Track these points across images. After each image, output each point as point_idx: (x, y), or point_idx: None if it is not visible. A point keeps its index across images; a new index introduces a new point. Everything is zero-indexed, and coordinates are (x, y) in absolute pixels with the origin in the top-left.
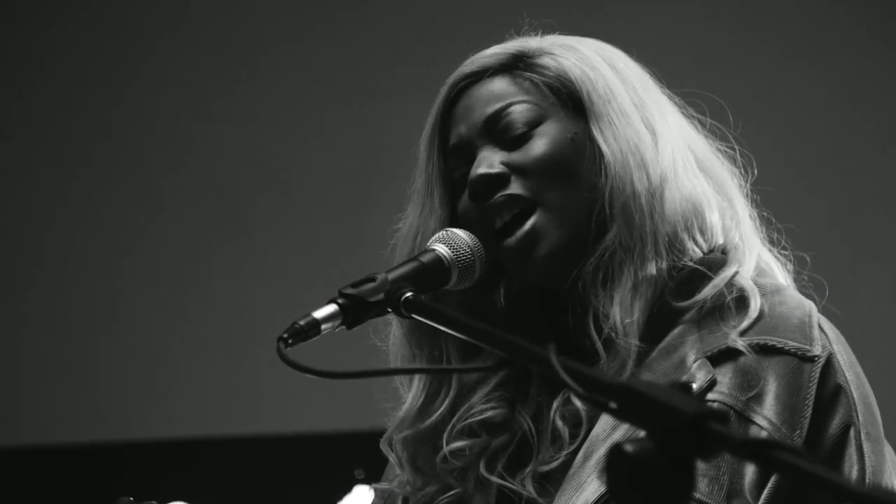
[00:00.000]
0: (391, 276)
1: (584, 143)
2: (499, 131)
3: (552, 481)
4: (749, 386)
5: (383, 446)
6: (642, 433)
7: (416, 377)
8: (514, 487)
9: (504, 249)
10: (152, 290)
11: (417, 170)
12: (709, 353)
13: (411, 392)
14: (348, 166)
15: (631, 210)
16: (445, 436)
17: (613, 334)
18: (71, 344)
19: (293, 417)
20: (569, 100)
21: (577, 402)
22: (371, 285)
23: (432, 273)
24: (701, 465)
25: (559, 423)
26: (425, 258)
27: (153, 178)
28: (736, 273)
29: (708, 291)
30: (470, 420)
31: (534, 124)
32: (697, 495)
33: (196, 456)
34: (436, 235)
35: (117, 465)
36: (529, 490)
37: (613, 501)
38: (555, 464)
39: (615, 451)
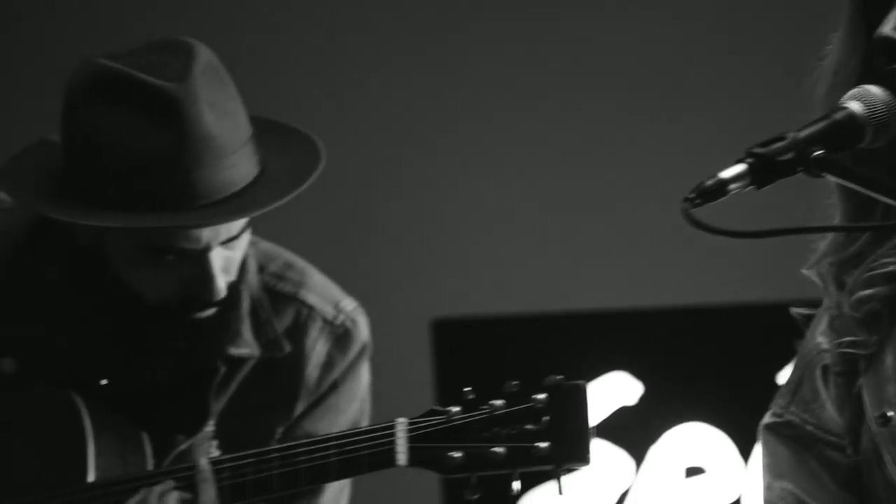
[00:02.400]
0: (801, 134)
1: None
2: None
3: None
4: None
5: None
6: None
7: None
8: None
9: None
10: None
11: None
12: None
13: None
14: None
15: None
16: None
17: None
18: None
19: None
20: None
21: None
22: (780, 144)
23: (845, 131)
24: None
25: None
26: (837, 116)
27: None
28: None
29: None
30: (874, 272)
31: None
32: None
33: (616, 328)
34: (849, 93)
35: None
36: None
37: None
38: None
39: None
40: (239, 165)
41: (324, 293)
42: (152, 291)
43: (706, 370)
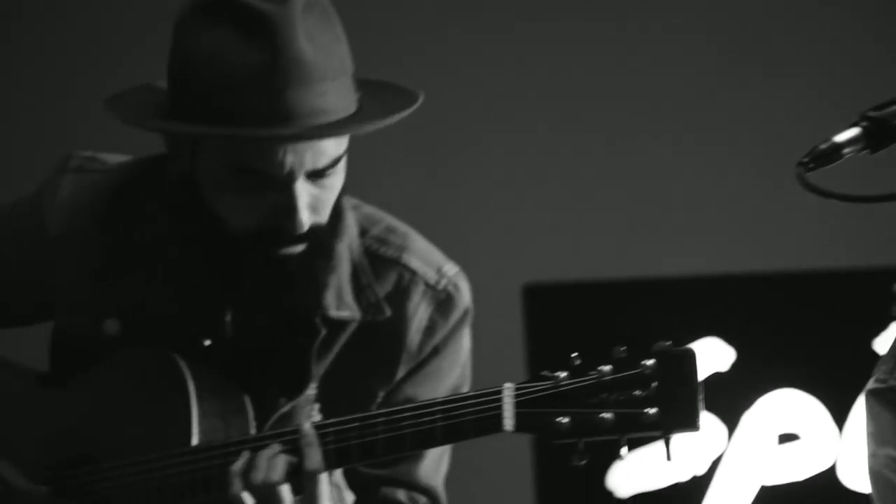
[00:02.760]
0: None
1: None
2: None
3: None
4: None
5: None
6: None
7: None
8: None
9: None
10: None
11: None
12: None
13: None
14: None
15: None
16: None
17: None
18: None
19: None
20: None
21: None
22: None
23: None
24: None
25: None
26: None
27: None
28: None
29: None
30: None
31: None
32: None
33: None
34: None
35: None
36: None
37: None
38: None
39: None
40: (331, 94)
41: (426, 257)
42: (239, 219)
43: (800, 336)
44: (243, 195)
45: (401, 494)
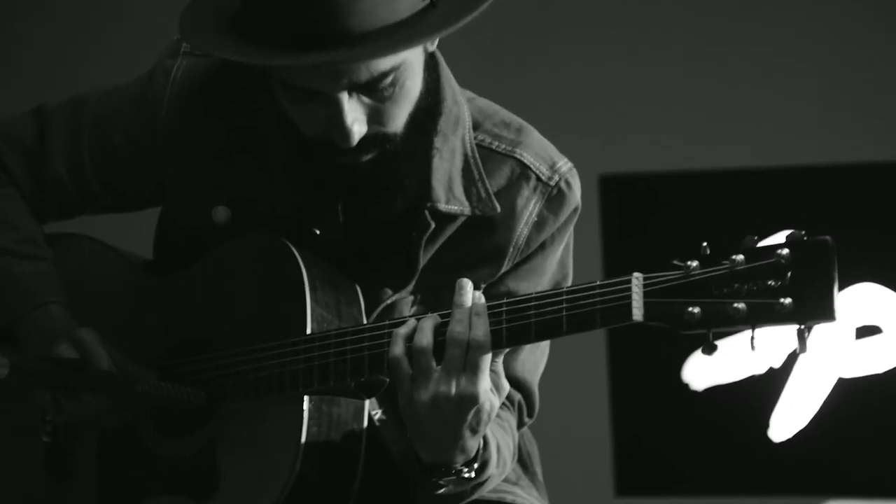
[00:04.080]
0: None
1: None
2: None
3: None
4: None
5: None
6: None
7: None
8: None
9: None
10: None
11: None
12: None
13: None
14: None
15: None
16: None
17: None
18: None
19: None
20: None
21: None
22: None
23: None
24: None
25: None
26: None
27: None
28: None
29: None
30: None
31: None
32: None
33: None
34: None
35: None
36: None
37: None
38: None
39: None
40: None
41: (540, 152)
42: (302, 126)
43: (880, 230)
44: (297, 106)
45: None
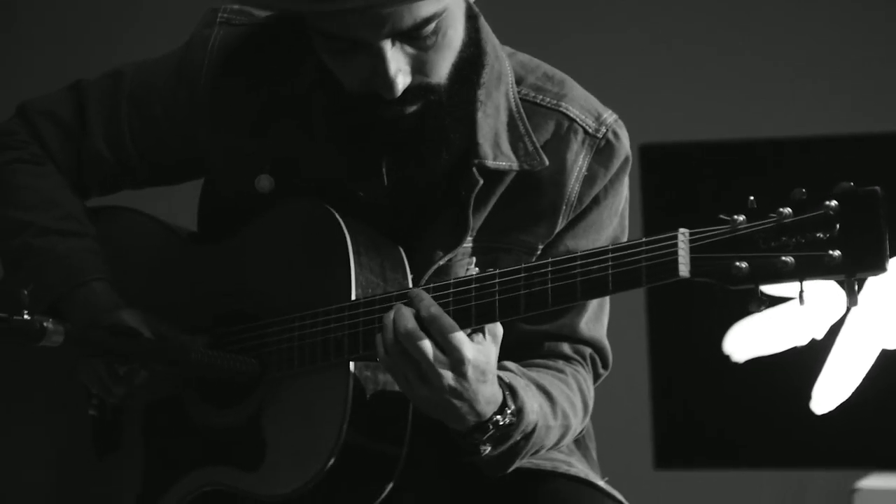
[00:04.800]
0: None
1: None
2: None
3: None
4: None
5: None
6: None
7: None
8: None
9: None
10: None
11: None
12: None
13: None
14: None
15: None
16: None
17: None
18: None
19: None
20: None
21: None
22: None
23: None
24: None
25: None
26: None
27: None
28: None
29: None
30: None
31: None
32: None
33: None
34: None
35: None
36: None
37: None
38: None
39: None
40: None
41: (585, 105)
42: (344, 80)
43: None
44: (339, 58)
45: (565, 347)
